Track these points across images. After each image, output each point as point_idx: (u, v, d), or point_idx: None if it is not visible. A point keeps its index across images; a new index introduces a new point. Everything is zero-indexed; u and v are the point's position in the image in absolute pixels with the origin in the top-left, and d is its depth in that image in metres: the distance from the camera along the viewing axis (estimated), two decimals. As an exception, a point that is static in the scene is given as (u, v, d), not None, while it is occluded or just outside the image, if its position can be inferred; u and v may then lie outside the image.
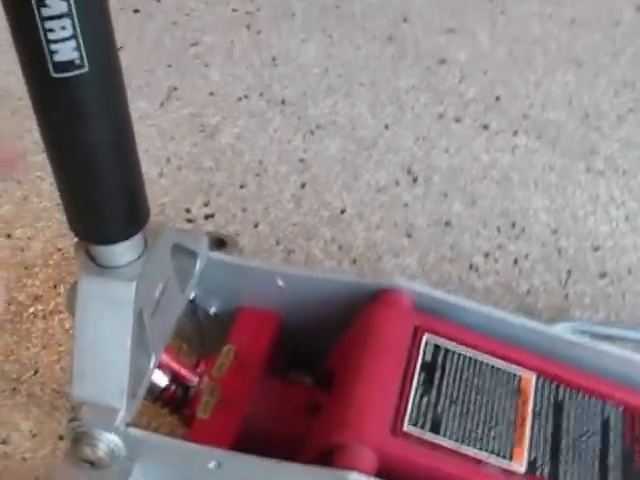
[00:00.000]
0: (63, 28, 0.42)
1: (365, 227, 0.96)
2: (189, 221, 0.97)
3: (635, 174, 1.05)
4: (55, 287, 0.92)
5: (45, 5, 0.41)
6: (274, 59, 1.23)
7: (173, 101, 1.16)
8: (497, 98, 1.15)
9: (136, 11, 1.33)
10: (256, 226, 0.97)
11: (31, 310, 0.91)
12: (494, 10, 1.35)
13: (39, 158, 1.08)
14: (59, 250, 0.96)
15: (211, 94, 1.17)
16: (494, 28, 1.31)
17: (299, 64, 1.22)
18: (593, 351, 0.68)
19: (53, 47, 0.42)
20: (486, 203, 1.00)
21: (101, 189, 0.52)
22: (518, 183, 1.02)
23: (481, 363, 0.64)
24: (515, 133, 1.09)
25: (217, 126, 1.11)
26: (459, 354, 0.64)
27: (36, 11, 0.41)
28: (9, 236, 0.99)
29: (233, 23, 1.32)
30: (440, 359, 0.64)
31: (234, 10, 1.35)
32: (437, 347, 0.64)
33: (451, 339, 0.65)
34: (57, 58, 0.43)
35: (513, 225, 0.97)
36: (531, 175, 1.04)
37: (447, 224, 0.97)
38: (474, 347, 0.65)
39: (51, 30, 0.42)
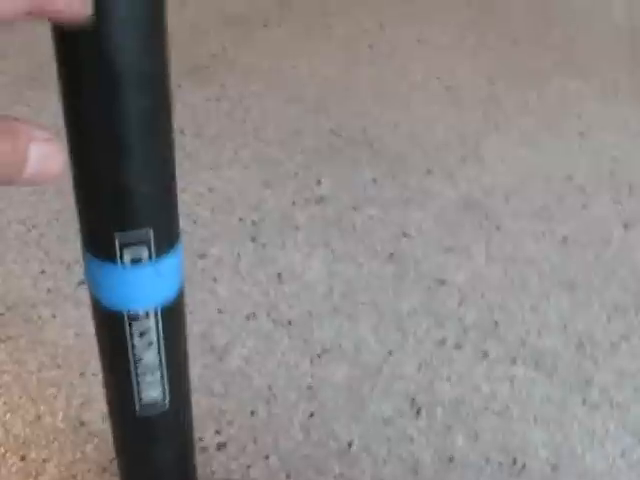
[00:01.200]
0: (153, 378, 0.52)
1: (372, 462, 1.05)
2: (202, 450, 1.06)
3: (629, 407, 1.16)
4: (69, 519, 1.00)
5: (140, 360, 0.51)
6: (279, 275, 1.35)
7: (183, 317, 1.26)
8: (495, 323, 1.27)
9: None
10: (267, 458, 1.05)
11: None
12: (490, 226, 1.49)
13: (53, 374, 1.18)
14: (74, 477, 1.04)
15: (219, 312, 1.28)
16: (490, 246, 1.44)
17: (304, 282, 1.34)
18: None
19: (142, 391, 0.53)
20: (488, 437, 1.09)
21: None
22: (517, 416, 1.13)
23: None
24: (513, 362, 1.21)
25: (226, 347, 1.21)
26: None
27: (132, 365, 0.51)
28: (23, 458, 1.07)
29: (239, 234, 1.45)
30: None
31: (240, 219, 1.48)
32: None
33: None
34: (144, 401, 0.53)
35: (514, 461, 1.07)
36: (530, 407, 1.14)
37: (451, 460, 1.06)
38: None
39: (142, 379, 0.52)
